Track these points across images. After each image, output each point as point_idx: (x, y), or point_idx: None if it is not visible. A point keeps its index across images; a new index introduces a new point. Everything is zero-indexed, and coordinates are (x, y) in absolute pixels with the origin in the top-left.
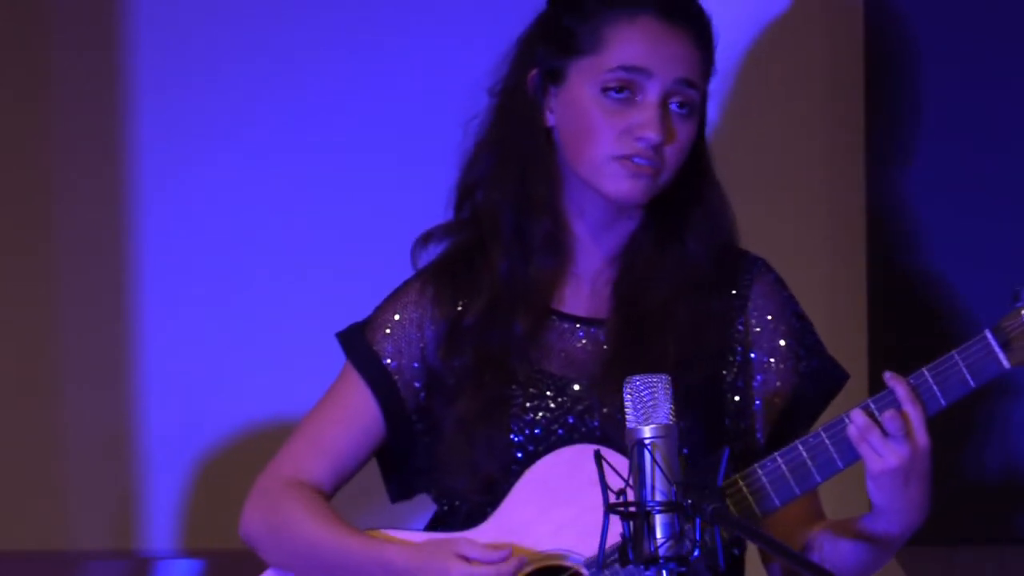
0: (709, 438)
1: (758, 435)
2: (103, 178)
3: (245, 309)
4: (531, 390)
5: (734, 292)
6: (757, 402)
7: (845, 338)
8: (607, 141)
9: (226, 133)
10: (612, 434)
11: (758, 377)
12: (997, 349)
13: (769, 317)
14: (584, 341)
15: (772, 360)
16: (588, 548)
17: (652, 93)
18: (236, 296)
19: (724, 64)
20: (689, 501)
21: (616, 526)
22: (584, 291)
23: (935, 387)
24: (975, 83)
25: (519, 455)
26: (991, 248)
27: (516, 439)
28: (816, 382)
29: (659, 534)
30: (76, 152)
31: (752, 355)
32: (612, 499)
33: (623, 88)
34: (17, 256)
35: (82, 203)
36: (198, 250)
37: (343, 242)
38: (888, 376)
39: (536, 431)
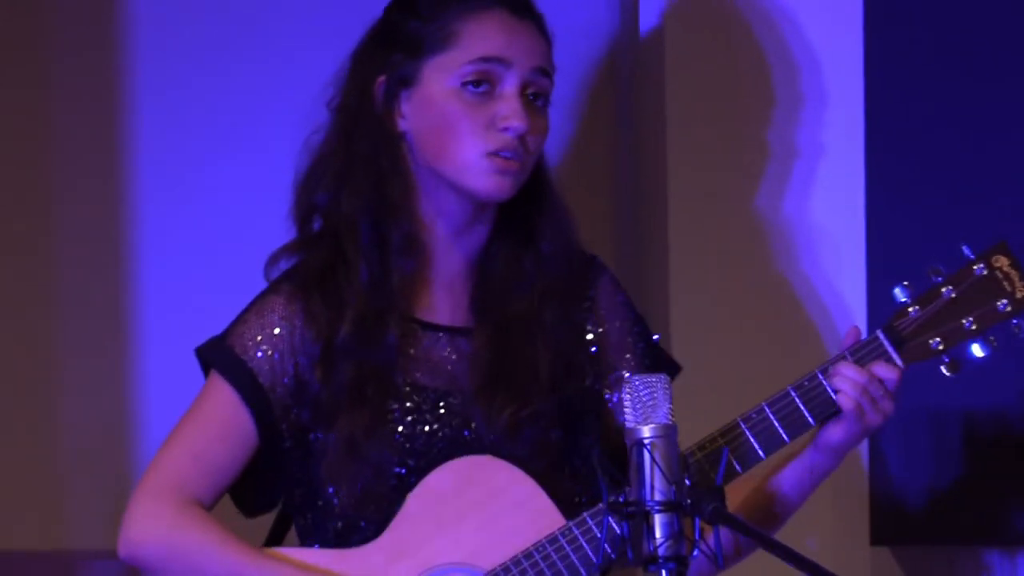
0: (579, 441)
1: (612, 433)
2: (103, 178)
3: None
4: (408, 404)
5: (584, 294)
6: (607, 397)
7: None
8: (472, 137)
9: (226, 133)
10: (489, 443)
11: (612, 376)
12: (890, 349)
13: (615, 315)
14: (449, 350)
15: (623, 357)
16: (488, 561)
17: (511, 83)
18: (236, 297)
19: (724, 64)
20: (689, 501)
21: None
22: (444, 299)
23: (827, 386)
24: (975, 82)
25: (400, 470)
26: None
27: (397, 454)
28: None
29: (658, 534)
30: (76, 152)
31: (605, 354)
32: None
33: (481, 81)
34: (17, 256)
35: (82, 203)
36: (198, 250)
37: None
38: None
39: (417, 444)
